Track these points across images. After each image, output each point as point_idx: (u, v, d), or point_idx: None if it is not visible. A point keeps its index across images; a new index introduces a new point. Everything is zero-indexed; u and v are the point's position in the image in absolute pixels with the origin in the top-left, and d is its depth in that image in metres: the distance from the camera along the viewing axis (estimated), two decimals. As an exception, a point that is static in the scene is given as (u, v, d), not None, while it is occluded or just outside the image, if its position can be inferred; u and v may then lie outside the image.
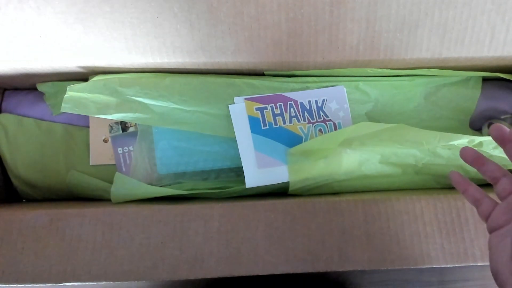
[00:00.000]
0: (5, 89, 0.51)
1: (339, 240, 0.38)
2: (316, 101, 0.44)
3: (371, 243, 0.38)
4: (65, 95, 0.41)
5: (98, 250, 0.38)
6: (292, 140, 0.43)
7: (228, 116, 0.43)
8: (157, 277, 0.37)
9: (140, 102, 0.42)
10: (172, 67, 0.42)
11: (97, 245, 0.38)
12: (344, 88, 0.44)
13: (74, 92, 0.41)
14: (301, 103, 0.44)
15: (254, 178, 0.42)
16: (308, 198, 0.42)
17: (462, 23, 0.38)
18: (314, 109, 0.44)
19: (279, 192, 0.46)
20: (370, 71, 0.43)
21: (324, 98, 0.44)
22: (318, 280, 0.54)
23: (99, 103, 0.41)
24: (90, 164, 0.49)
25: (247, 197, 0.45)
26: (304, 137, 0.43)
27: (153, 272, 0.37)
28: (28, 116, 0.50)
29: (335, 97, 0.44)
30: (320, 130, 0.44)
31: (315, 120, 0.44)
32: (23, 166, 0.49)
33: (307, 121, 0.44)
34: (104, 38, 0.39)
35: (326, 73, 0.44)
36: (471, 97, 0.47)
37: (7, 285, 0.38)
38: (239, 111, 0.42)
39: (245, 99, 0.43)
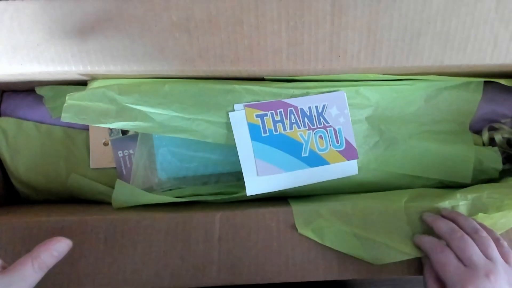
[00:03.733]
0: (3, 91, 0.51)
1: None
2: (316, 107, 0.44)
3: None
4: (65, 104, 0.41)
5: (101, 259, 0.39)
6: (292, 147, 0.43)
7: (228, 124, 0.42)
8: (159, 286, 0.38)
9: (139, 111, 0.41)
10: (171, 74, 0.41)
11: (99, 254, 0.39)
12: (345, 93, 0.44)
13: (73, 101, 0.41)
14: (301, 109, 0.43)
15: (254, 186, 0.42)
16: (308, 204, 0.42)
17: (465, 32, 0.38)
18: (315, 115, 0.44)
19: (280, 196, 0.47)
20: (371, 76, 0.43)
21: (324, 104, 0.44)
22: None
23: (99, 112, 0.41)
24: (91, 167, 0.50)
25: (248, 202, 0.45)
26: (304, 144, 0.43)
27: (155, 281, 0.38)
28: (28, 119, 0.50)
29: (336, 103, 0.44)
30: (320, 137, 0.44)
31: (315, 127, 0.44)
32: (24, 169, 0.50)
33: (307, 128, 0.44)
34: (102, 46, 0.39)
35: (327, 77, 0.44)
36: (472, 100, 0.47)
37: None
38: (239, 118, 0.42)
39: (245, 106, 0.42)
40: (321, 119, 0.44)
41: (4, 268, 0.31)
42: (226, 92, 0.43)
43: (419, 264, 0.38)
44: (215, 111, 0.42)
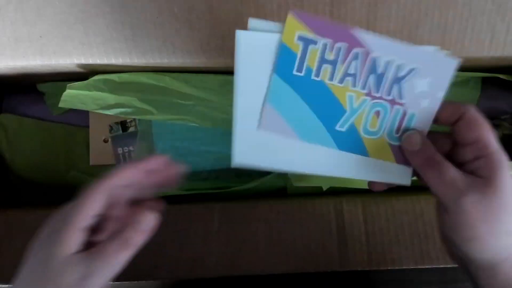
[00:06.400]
0: (5, 89, 0.52)
1: (339, 240, 0.38)
2: (398, 66, 0.28)
3: (371, 243, 0.38)
4: (64, 93, 0.41)
5: (98, 250, 0.38)
6: (329, 109, 0.29)
7: (229, 107, 0.33)
8: (157, 277, 0.37)
9: (139, 97, 0.41)
10: (172, 67, 0.42)
11: (97, 245, 0.38)
12: (455, 63, 0.29)
13: (73, 90, 0.41)
14: (375, 59, 0.28)
15: (246, 150, 0.28)
16: (308, 198, 0.42)
17: (462, 23, 0.38)
18: (388, 77, 0.29)
19: (279, 191, 0.46)
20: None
21: (413, 67, 0.28)
22: (318, 280, 0.54)
23: (97, 99, 0.41)
24: (90, 164, 0.49)
25: (247, 197, 0.45)
26: (348, 112, 0.29)
27: (153, 272, 0.38)
28: (28, 116, 0.50)
29: (434, 73, 0.29)
30: (377, 113, 0.29)
31: (378, 95, 0.29)
32: (23, 166, 0.50)
33: (366, 90, 0.29)
34: (104, 38, 0.40)
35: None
36: (471, 97, 0.47)
37: (8, 285, 0.38)
38: (261, 39, 0.28)
39: (291, 12, 0.27)
40: (394, 88, 0.29)
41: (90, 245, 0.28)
42: (226, 82, 0.43)
43: (422, 257, 0.38)
44: (216, 97, 0.42)
